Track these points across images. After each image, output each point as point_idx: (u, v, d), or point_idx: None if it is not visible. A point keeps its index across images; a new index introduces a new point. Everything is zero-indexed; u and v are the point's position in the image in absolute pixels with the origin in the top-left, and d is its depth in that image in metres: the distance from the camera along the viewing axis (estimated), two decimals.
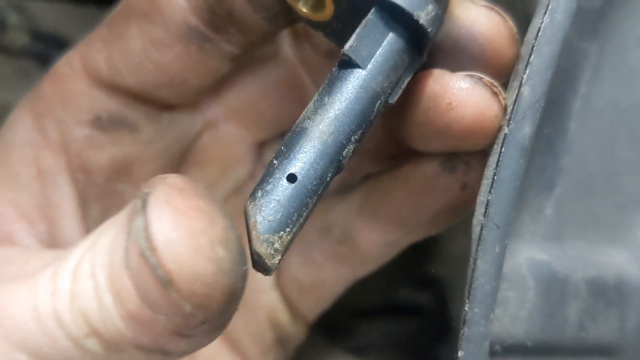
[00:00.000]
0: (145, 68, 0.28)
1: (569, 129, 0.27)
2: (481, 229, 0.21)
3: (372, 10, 0.23)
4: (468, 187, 0.27)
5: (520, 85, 0.22)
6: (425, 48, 0.24)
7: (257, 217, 0.20)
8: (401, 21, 0.23)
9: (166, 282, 0.18)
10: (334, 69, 0.23)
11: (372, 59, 0.22)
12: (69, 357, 0.20)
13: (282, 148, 0.21)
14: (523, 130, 0.22)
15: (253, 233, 0.20)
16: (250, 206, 0.20)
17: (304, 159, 0.21)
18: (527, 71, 0.22)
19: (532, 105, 0.22)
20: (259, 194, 0.20)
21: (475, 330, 0.20)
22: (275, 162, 0.21)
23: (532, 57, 0.22)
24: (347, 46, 0.22)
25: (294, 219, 0.20)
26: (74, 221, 0.29)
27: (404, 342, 0.53)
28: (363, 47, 0.22)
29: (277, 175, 0.21)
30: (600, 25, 0.28)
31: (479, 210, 0.23)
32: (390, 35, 0.23)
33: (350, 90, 0.22)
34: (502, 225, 0.21)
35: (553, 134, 0.27)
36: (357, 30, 0.23)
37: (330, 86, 0.22)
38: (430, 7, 0.22)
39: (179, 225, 0.18)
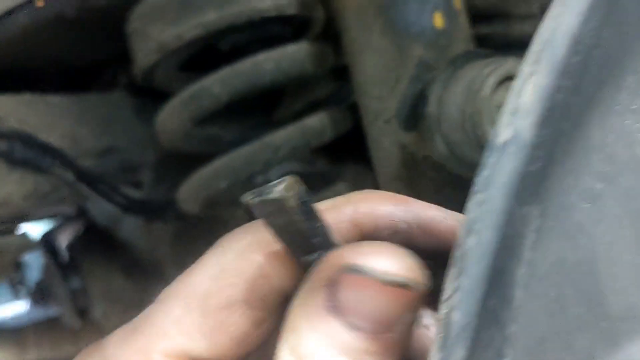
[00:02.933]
0: (247, 343, 0.31)
1: (513, 297, 0.27)
2: None
3: None
4: None
5: (451, 309, 0.22)
6: None
7: None
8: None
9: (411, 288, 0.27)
10: None
11: None
12: None
13: None
14: (456, 356, 0.22)
15: None
16: None
17: None
18: (457, 295, 0.22)
19: (463, 329, 0.22)
20: None
21: None
22: None
23: (460, 279, 0.22)
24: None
25: None
26: None
27: None
28: None
29: None
30: (542, 186, 0.27)
31: None
32: None
33: None
34: None
35: (498, 305, 0.27)
36: None
37: None
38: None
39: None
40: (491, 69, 0.42)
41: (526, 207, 0.27)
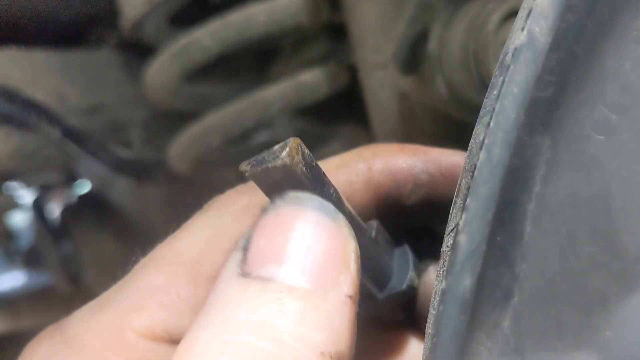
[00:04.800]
0: None
1: (523, 233, 0.25)
2: None
3: None
4: None
5: (457, 233, 0.20)
6: None
7: None
8: None
9: None
10: None
11: None
12: None
13: None
14: (462, 283, 0.20)
15: None
16: None
17: None
18: (463, 217, 0.20)
19: (470, 254, 0.20)
20: None
21: None
22: None
23: (467, 200, 0.20)
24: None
25: None
26: None
27: None
28: None
29: None
30: (554, 115, 0.25)
31: None
32: None
33: None
34: None
35: (506, 241, 0.25)
36: None
37: None
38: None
39: None
40: (495, 5, 0.40)
41: (537, 136, 0.25)
